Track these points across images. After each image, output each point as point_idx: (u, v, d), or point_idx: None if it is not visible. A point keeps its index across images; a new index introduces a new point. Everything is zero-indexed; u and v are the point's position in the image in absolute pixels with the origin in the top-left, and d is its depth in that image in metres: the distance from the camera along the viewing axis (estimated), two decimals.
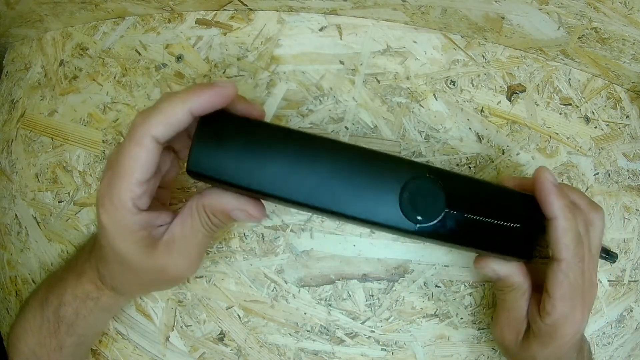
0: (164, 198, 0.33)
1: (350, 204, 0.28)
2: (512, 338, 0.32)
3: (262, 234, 0.36)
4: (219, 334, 0.37)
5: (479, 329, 0.37)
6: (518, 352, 0.32)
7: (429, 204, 0.28)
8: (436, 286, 0.36)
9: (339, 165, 0.27)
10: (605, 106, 0.41)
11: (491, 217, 0.28)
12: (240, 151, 0.27)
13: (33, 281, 0.42)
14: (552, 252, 0.29)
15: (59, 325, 0.33)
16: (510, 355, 0.34)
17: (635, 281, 0.40)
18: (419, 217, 0.28)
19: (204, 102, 0.27)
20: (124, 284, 0.33)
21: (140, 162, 0.27)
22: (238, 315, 0.36)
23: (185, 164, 0.28)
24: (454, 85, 0.38)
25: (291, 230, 0.36)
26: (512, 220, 0.29)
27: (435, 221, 0.28)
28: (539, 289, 0.31)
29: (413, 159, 0.37)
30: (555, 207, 0.28)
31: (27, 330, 0.34)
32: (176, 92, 0.27)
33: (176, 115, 0.27)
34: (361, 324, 0.36)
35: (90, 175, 0.40)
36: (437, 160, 0.37)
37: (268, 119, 0.37)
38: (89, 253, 0.33)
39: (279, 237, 0.36)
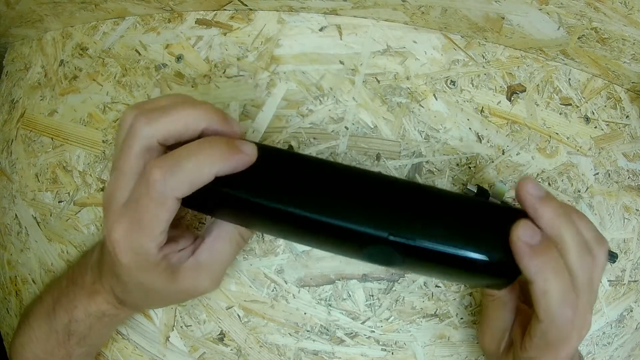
0: None
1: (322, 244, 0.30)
2: (493, 348, 0.32)
3: (262, 234, 0.36)
4: (219, 334, 0.37)
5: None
6: None
7: (389, 259, 0.28)
8: (436, 286, 0.36)
9: (313, 218, 0.28)
10: (605, 106, 0.41)
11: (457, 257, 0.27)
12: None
13: (33, 281, 0.42)
14: (534, 308, 0.27)
15: (69, 338, 0.33)
16: None
17: (635, 281, 0.40)
18: (381, 265, 0.29)
19: (229, 168, 0.26)
20: (148, 305, 0.34)
21: (164, 219, 0.26)
22: (238, 315, 0.36)
23: None
24: (454, 85, 0.38)
25: None
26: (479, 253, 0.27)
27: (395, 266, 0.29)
28: (528, 303, 0.30)
29: (413, 159, 0.37)
30: (530, 270, 0.26)
31: (33, 339, 0.34)
32: (201, 149, 0.26)
33: (202, 178, 0.26)
34: (361, 324, 0.36)
35: (90, 175, 0.40)
36: (437, 160, 0.37)
37: (268, 119, 0.37)
38: (98, 273, 0.33)
39: None
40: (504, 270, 0.27)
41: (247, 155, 0.27)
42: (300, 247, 0.36)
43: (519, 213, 0.28)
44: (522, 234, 0.26)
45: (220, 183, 0.27)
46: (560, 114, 0.39)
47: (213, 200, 0.28)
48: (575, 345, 0.28)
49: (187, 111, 0.27)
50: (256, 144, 0.29)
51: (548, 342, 0.27)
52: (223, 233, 0.31)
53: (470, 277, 0.29)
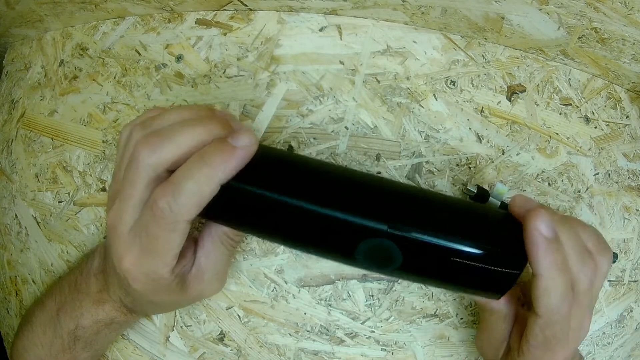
0: None
1: (313, 246, 0.29)
2: (490, 355, 0.32)
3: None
4: (219, 334, 0.37)
5: None
6: None
7: (386, 258, 0.27)
8: None
9: (308, 215, 0.27)
10: (605, 106, 0.41)
11: (455, 259, 0.27)
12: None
13: (33, 281, 0.42)
14: (533, 303, 0.27)
15: (74, 343, 0.33)
16: None
17: (635, 281, 0.40)
18: (375, 267, 0.28)
19: (229, 172, 0.26)
20: (157, 312, 0.36)
21: (176, 243, 0.26)
22: (238, 316, 0.36)
23: None
24: (454, 85, 0.38)
25: None
26: (478, 261, 0.27)
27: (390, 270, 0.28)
28: (528, 305, 0.30)
29: (413, 159, 0.37)
30: (541, 265, 0.25)
31: (37, 343, 0.34)
32: (198, 165, 0.25)
33: (207, 195, 0.25)
34: (361, 324, 0.36)
35: (90, 175, 0.40)
36: (437, 160, 0.37)
37: (268, 119, 0.37)
38: (104, 283, 0.32)
39: None
40: (508, 266, 0.27)
41: (243, 149, 0.26)
42: None
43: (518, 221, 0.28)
44: (539, 225, 0.25)
45: (225, 188, 0.26)
46: (560, 114, 0.39)
47: (221, 207, 0.28)
48: (572, 348, 0.28)
49: (190, 132, 0.26)
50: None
51: (545, 340, 0.27)
52: (212, 234, 0.30)
53: (471, 280, 0.28)
